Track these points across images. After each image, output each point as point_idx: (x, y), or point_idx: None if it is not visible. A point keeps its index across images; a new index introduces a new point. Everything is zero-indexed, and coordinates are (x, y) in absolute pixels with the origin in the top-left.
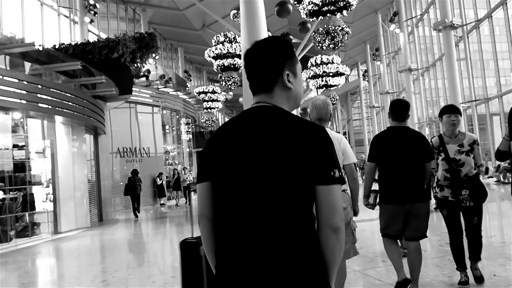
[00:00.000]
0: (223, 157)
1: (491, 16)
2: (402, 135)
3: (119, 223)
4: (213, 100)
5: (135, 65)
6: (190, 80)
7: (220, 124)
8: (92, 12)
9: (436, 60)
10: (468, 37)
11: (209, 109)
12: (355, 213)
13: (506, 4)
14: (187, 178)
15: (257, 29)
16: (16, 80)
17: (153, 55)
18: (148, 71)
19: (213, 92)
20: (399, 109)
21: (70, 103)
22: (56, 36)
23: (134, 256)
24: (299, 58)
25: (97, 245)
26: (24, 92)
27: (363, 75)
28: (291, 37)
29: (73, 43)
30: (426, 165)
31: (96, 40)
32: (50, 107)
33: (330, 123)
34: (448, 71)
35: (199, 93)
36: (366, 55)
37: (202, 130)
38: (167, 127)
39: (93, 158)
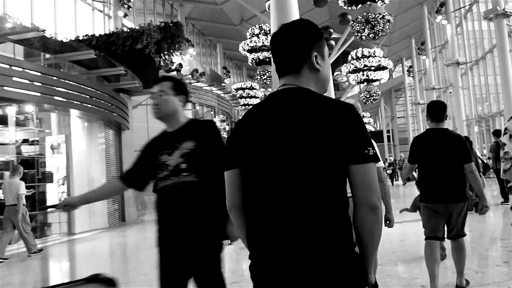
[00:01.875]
0: (251, 142)
1: None
2: (441, 137)
3: (142, 224)
4: (251, 97)
5: (162, 57)
6: (229, 77)
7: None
8: (126, 6)
9: (487, 53)
10: None
11: (246, 106)
12: (390, 222)
13: None
14: None
15: (289, 19)
16: (31, 71)
17: (181, 46)
18: (180, 65)
19: (251, 88)
20: (437, 110)
21: (87, 96)
22: (90, 31)
23: (132, 266)
24: (340, 52)
25: (104, 250)
26: (38, 84)
27: (407, 70)
28: (331, 30)
29: (97, 34)
30: (465, 166)
31: (120, 30)
32: (64, 100)
33: None
34: (500, 63)
35: (237, 89)
36: (411, 50)
37: None
38: None
39: (117, 155)
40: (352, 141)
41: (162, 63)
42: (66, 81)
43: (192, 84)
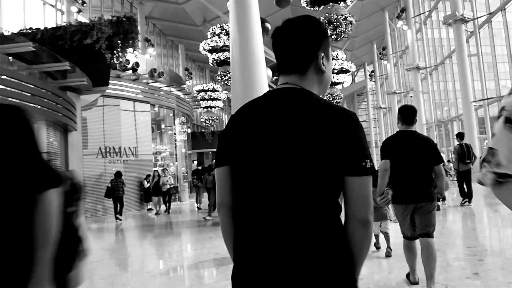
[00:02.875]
0: (246, 139)
1: (505, 9)
2: (410, 139)
3: (90, 232)
4: (213, 99)
5: (116, 54)
6: (191, 79)
7: (225, 123)
8: (80, 1)
9: (445, 58)
10: (479, 32)
11: (208, 108)
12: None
13: None
14: (167, 181)
15: (249, 19)
16: None
17: (135, 43)
18: (137, 64)
19: (214, 90)
20: (408, 113)
21: (27, 94)
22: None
23: None
24: None
25: None
26: None
27: (369, 75)
28: None
29: (42, 28)
30: (435, 168)
31: (67, 24)
32: None
33: None
34: (459, 67)
35: (199, 91)
36: (373, 55)
37: (203, 130)
38: (162, 126)
39: (62, 158)
40: (350, 152)
41: (115, 61)
42: (2, 77)
43: (150, 84)
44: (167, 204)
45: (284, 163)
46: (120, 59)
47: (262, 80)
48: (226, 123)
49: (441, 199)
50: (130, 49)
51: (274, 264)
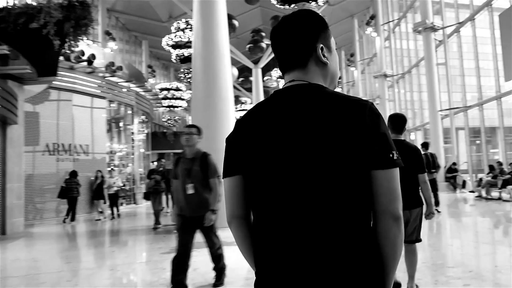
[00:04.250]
0: (259, 145)
1: (474, 19)
2: (400, 147)
3: (28, 237)
4: (176, 98)
5: (67, 42)
6: (154, 76)
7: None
8: None
9: (413, 66)
10: (447, 41)
11: (171, 108)
12: None
13: (491, 5)
14: (114, 183)
15: (214, 16)
16: None
17: (88, 30)
18: (93, 55)
19: (177, 89)
20: (399, 122)
21: None
22: None
23: None
24: (271, 57)
25: None
26: None
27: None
28: (263, 34)
29: None
30: (419, 176)
31: (11, 5)
32: None
33: None
34: (427, 75)
35: (162, 89)
36: (340, 61)
37: (164, 130)
38: (120, 123)
39: None
40: (375, 144)
41: (66, 50)
42: None
43: (106, 78)
44: (114, 209)
45: (307, 165)
46: (72, 48)
47: (226, 76)
48: (233, 129)
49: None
50: (83, 38)
51: (302, 274)
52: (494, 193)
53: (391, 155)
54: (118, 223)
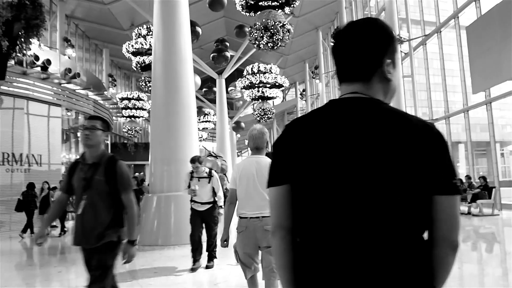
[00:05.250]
0: (314, 155)
1: (440, 32)
2: None
3: None
4: (137, 108)
5: (18, 45)
6: (115, 86)
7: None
8: None
9: None
10: (413, 53)
11: (133, 118)
12: None
13: (458, 18)
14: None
15: (175, 9)
16: None
17: (39, 32)
18: (48, 61)
19: (138, 99)
20: None
21: None
22: None
23: None
24: (235, 68)
25: None
26: None
27: (301, 94)
28: (227, 44)
29: None
30: None
31: None
32: None
33: (266, 150)
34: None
35: (122, 99)
36: (304, 74)
37: (125, 141)
38: (78, 133)
39: None
40: (440, 169)
41: (17, 53)
42: None
43: (62, 85)
44: (62, 223)
45: (368, 183)
46: (24, 52)
47: (189, 82)
48: (281, 134)
49: None
50: (35, 40)
51: None
52: (463, 208)
53: (454, 181)
54: (65, 239)
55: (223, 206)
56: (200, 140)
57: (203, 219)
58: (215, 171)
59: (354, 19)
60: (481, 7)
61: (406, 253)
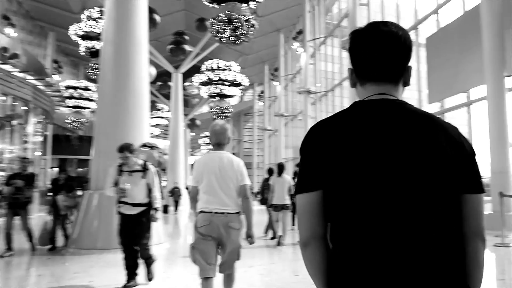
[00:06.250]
0: (348, 158)
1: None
2: None
3: None
4: (84, 99)
5: None
6: (61, 73)
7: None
8: None
9: (337, 84)
10: None
11: (78, 108)
12: (251, 238)
13: (417, 29)
14: None
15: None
16: None
17: None
18: None
19: (86, 89)
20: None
21: None
22: None
23: None
24: (193, 63)
25: None
26: None
27: (259, 95)
28: (187, 37)
29: None
30: None
31: None
32: None
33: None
34: (351, 92)
35: (68, 87)
36: (263, 75)
37: (68, 133)
38: (13, 122)
39: None
40: (470, 169)
41: None
42: None
43: None
44: None
45: (404, 184)
46: None
47: (142, 68)
48: (308, 137)
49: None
50: None
51: None
52: None
53: (481, 180)
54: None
55: (159, 209)
56: (152, 137)
57: (134, 226)
58: (151, 164)
59: (316, 24)
60: (440, 20)
61: (447, 255)
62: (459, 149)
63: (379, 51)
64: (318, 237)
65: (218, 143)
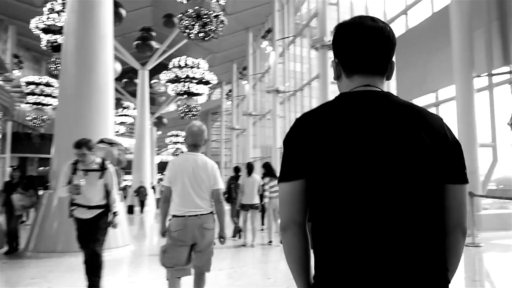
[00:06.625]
0: (331, 148)
1: None
2: None
3: None
4: (46, 95)
5: None
6: (21, 68)
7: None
8: None
9: (306, 84)
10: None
11: (39, 105)
12: (223, 239)
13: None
14: None
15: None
16: None
17: None
18: None
19: (48, 85)
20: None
21: None
22: None
23: None
24: (160, 60)
25: None
26: None
27: (227, 94)
28: (154, 33)
29: None
30: None
31: None
32: None
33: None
34: (321, 92)
35: (28, 83)
36: (231, 74)
37: (29, 131)
38: None
39: None
40: (454, 160)
41: None
42: None
43: None
44: None
45: (387, 174)
46: None
47: (107, 61)
48: (293, 128)
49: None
50: None
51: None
52: None
53: (465, 171)
54: None
55: (118, 214)
56: (116, 135)
57: (90, 230)
58: (110, 162)
59: (285, 23)
60: (408, 21)
61: (428, 244)
62: (442, 139)
63: (369, 44)
64: (297, 223)
65: (195, 144)
